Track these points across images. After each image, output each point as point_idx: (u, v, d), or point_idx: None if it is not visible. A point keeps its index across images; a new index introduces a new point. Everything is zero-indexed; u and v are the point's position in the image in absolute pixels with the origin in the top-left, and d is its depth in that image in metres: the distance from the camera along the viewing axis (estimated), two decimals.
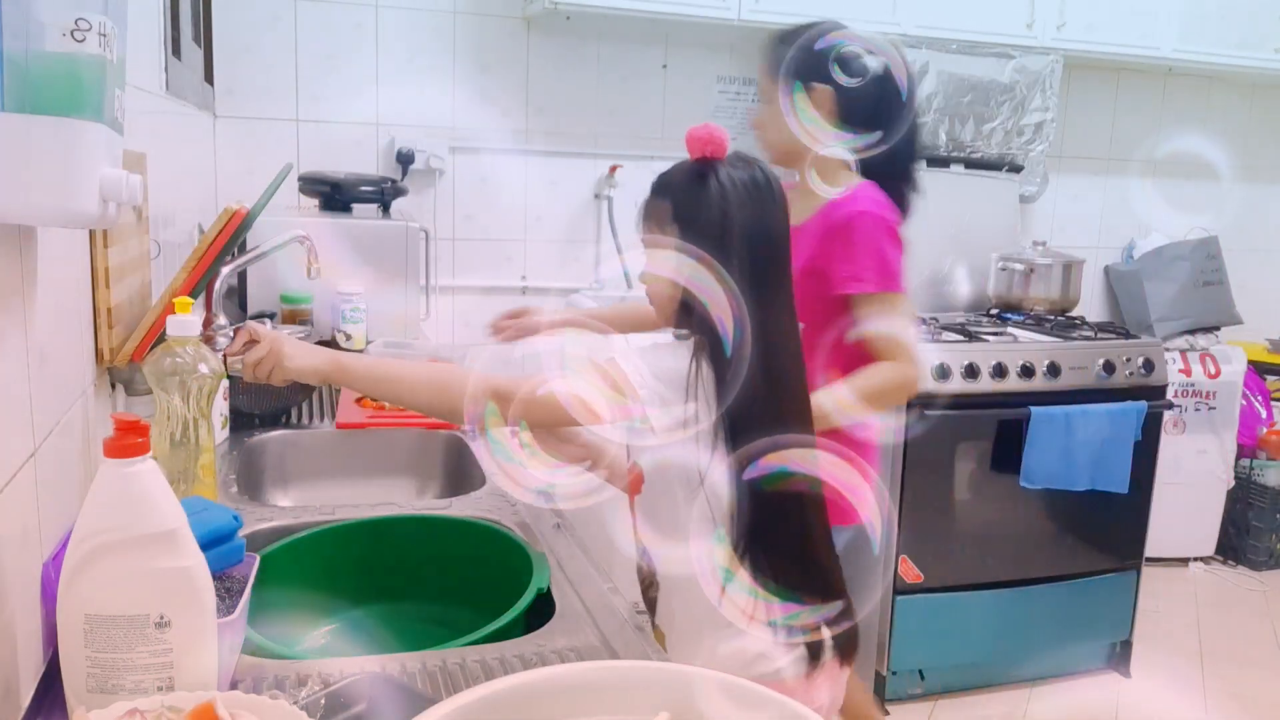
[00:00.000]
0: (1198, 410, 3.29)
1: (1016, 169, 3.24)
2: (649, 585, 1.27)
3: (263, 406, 1.64)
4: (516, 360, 1.42)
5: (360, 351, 2.05)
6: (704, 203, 1.13)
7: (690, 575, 1.15)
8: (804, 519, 1.15)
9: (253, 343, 1.17)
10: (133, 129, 0.84)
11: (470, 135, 2.88)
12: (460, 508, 1.31)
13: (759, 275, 1.12)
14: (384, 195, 2.49)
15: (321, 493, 1.61)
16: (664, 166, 1.21)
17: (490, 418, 1.14)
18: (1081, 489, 2.53)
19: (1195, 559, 3.48)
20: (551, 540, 1.22)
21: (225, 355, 1.19)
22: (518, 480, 1.16)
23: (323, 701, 0.80)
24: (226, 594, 0.87)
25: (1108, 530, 2.69)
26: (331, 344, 2.02)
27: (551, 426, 1.21)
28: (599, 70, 2.98)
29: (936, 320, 2.77)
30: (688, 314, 1.13)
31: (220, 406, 1.47)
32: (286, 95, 2.71)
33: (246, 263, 1.68)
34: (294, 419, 1.70)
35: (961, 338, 2.61)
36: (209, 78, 2.50)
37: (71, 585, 0.70)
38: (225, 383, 1.46)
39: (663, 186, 1.17)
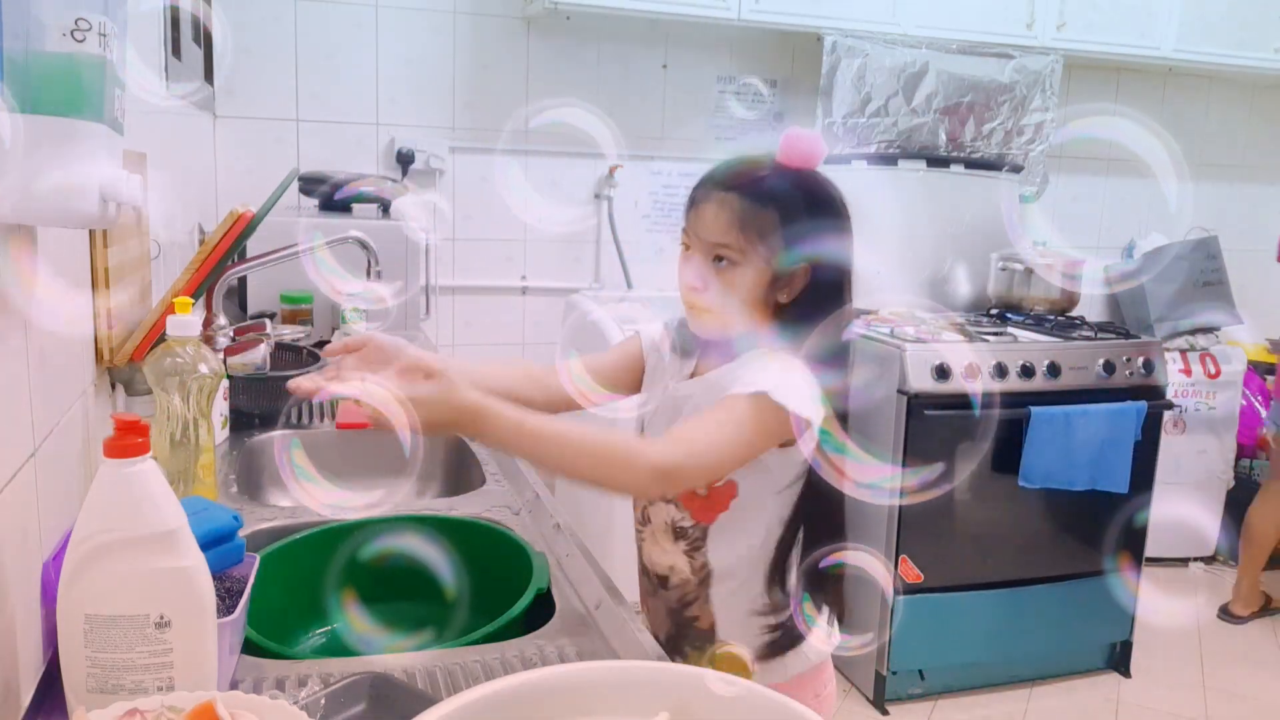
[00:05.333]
0: (1198, 410, 3.29)
1: (1016, 169, 3.24)
2: (692, 601, 1.18)
3: (263, 407, 1.64)
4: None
5: None
6: (815, 216, 1.10)
7: (748, 574, 1.15)
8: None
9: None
10: (133, 129, 0.84)
11: (470, 135, 2.88)
12: (460, 508, 1.31)
13: (838, 292, 1.13)
14: (384, 195, 2.49)
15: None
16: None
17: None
18: (1081, 489, 2.53)
19: (1195, 559, 3.48)
20: (551, 540, 1.22)
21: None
22: None
23: (323, 701, 0.80)
24: (226, 594, 0.87)
25: (1108, 530, 2.68)
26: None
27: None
28: (599, 70, 2.98)
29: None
30: (784, 323, 1.11)
31: (220, 406, 1.47)
32: (286, 95, 2.71)
33: (286, 257, 1.67)
34: (294, 419, 1.70)
35: (961, 338, 2.61)
36: (209, 78, 2.50)
37: (71, 585, 0.70)
38: (225, 383, 1.46)
39: (767, 196, 1.10)
